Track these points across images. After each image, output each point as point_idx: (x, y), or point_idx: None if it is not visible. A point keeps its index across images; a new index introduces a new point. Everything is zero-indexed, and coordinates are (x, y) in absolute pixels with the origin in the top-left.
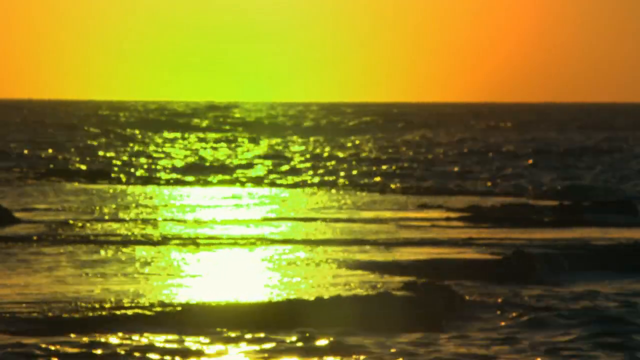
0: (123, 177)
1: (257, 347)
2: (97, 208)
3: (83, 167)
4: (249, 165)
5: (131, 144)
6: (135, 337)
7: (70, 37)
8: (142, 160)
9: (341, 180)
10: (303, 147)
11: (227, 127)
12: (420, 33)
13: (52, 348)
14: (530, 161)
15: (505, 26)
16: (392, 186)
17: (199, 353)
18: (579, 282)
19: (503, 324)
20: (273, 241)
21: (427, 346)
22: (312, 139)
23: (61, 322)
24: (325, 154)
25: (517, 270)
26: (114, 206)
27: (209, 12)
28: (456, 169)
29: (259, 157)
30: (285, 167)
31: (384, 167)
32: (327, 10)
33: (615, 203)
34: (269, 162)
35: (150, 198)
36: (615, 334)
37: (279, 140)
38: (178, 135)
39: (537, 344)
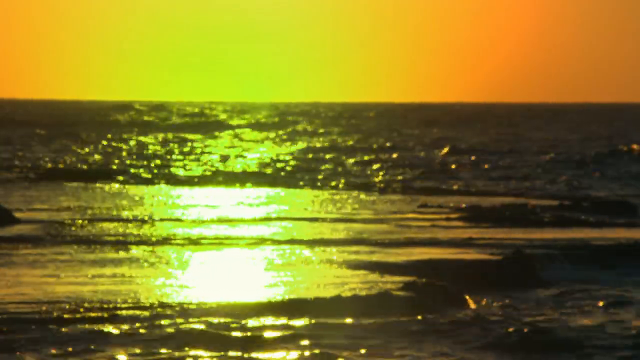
0: (123, 177)
1: (255, 347)
2: (97, 208)
3: (83, 167)
4: (249, 166)
5: (131, 143)
6: (135, 336)
7: (70, 37)
8: (142, 159)
9: (342, 180)
10: (299, 146)
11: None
12: (420, 33)
13: (53, 349)
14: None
15: (505, 26)
16: (384, 180)
17: (199, 353)
18: (577, 283)
19: (503, 324)
20: (273, 241)
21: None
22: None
23: (61, 322)
24: (324, 154)
25: (517, 271)
26: (114, 206)
27: (209, 12)
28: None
29: (258, 157)
30: (284, 166)
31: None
32: (327, 10)
33: (614, 203)
34: (268, 162)
35: (150, 198)
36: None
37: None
38: (171, 135)
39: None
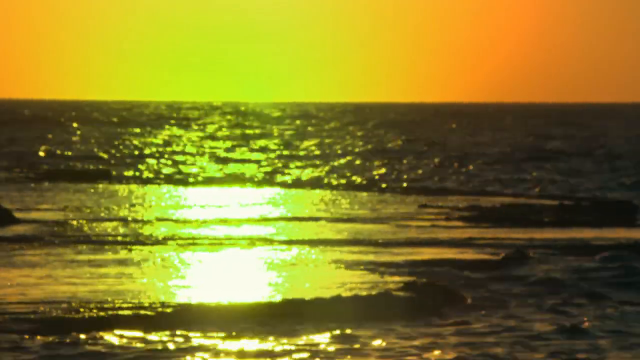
0: (122, 177)
1: (256, 347)
2: (97, 208)
3: (83, 167)
4: (249, 164)
5: (129, 141)
6: (135, 336)
7: (70, 37)
8: (142, 159)
9: (342, 181)
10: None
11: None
12: (420, 33)
13: (52, 348)
14: None
15: (505, 26)
16: (388, 185)
17: (199, 353)
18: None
19: (502, 324)
20: (273, 241)
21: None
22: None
23: (61, 322)
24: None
25: (516, 271)
26: (113, 206)
27: (209, 12)
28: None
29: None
30: (284, 167)
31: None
32: (327, 10)
33: (614, 203)
34: (268, 163)
35: (150, 198)
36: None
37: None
38: (174, 132)
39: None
